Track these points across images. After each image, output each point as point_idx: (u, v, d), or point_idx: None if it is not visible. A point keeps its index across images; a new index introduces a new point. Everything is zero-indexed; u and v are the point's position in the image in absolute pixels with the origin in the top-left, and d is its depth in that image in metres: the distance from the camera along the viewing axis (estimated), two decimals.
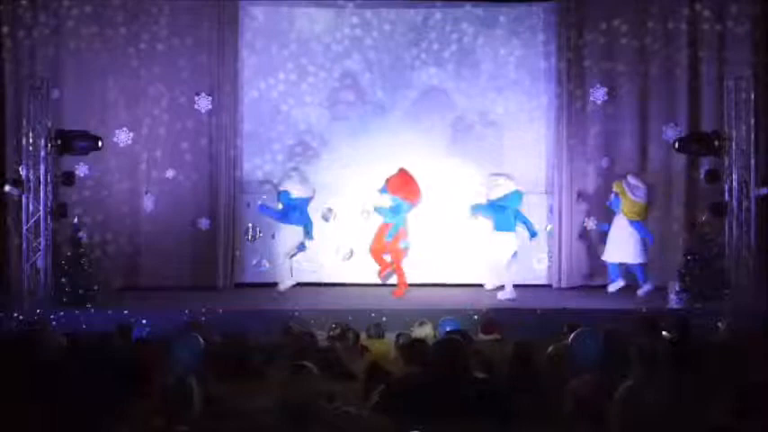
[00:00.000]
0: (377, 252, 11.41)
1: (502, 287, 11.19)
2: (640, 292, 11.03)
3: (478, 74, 12.55)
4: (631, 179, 11.26)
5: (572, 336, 5.43)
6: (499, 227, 11.12)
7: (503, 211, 11.12)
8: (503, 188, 11.16)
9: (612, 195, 11.37)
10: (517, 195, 11.19)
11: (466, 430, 4.01)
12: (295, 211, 11.25)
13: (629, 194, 11.14)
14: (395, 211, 11.26)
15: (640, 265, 11.18)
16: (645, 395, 3.82)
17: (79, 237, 10.61)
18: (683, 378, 4.12)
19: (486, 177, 11.52)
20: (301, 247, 11.36)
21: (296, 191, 11.22)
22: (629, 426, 3.71)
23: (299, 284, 11.69)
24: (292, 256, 11.44)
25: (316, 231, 11.73)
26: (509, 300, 10.89)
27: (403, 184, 11.33)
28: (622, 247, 11.18)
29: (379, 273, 11.45)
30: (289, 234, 11.30)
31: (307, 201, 11.33)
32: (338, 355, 6.01)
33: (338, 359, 5.91)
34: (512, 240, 11.13)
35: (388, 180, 11.33)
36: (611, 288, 11.25)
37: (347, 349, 6.82)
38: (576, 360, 5.31)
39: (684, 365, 4.43)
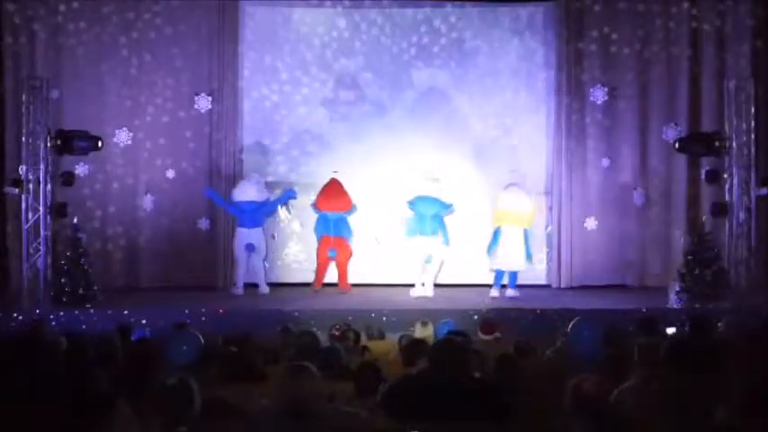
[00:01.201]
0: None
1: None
2: (509, 294, 11.23)
3: (478, 74, 12.55)
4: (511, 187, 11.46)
5: (570, 325, 5.48)
6: (407, 230, 11.42)
7: (414, 214, 11.36)
8: (419, 191, 11.38)
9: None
10: (424, 201, 11.31)
11: (466, 430, 4.01)
12: (235, 212, 11.51)
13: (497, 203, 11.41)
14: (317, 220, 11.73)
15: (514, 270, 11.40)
16: (645, 394, 3.82)
17: (79, 237, 10.59)
18: (684, 377, 4.12)
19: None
20: (250, 248, 11.42)
21: (239, 194, 11.46)
22: (629, 425, 3.70)
23: (299, 285, 11.77)
24: (263, 259, 11.55)
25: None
26: (424, 297, 11.14)
27: (319, 193, 11.70)
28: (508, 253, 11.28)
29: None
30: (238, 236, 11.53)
31: (250, 204, 11.39)
32: (339, 355, 6.00)
33: (338, 359, 5.90)
34: (420, 244, 11.32)
35: None
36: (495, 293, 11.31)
37: (347, 349, 6.81)
38: (574, 350, 5.36)
39: (685, 365, 4.43)
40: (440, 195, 11.40)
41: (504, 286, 11.40)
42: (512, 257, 11.27)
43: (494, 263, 11.43)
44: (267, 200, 11.64)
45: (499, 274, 11.46)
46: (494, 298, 11.17)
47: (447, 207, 11.45)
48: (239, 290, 11.39)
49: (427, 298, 11.19)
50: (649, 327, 7.21)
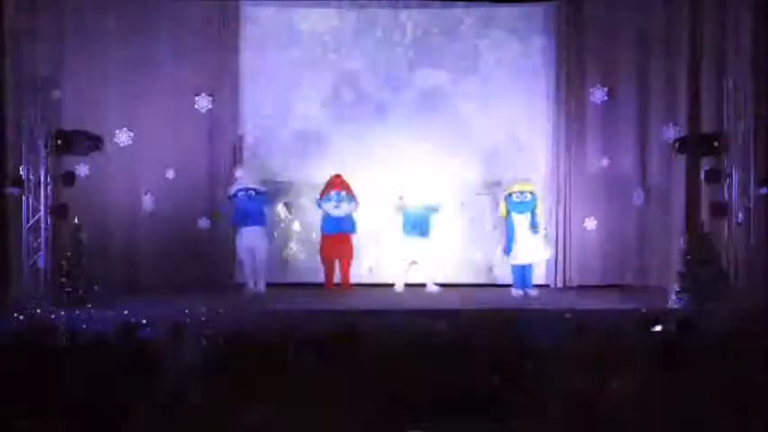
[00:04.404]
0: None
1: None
2: (534, 292, 11.30)
3: (478, 74, 12.55)
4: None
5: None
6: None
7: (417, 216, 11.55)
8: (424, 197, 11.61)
9: (528, 195, 11.40)
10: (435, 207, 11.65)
11: (466, 430, 4.01)
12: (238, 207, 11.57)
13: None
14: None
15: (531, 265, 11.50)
16: (642, 395, 3.83)
17: (79, 237, 10.60)
18: (681, 378, 4.13)
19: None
20: (252, 249, 11.50)
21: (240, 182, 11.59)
22: (626, 426, 3.71)
23: (299, 285, 11.82)
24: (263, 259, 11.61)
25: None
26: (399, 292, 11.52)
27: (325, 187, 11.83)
28: (530, 247, 11.38)
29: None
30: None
31: (248, 194, 11.52)
32: (339, 356, 6.00)
33: (338, 359, 5.90)
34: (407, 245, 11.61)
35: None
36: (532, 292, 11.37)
37: (348, 349, 6.81)
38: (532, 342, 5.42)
39: (683, 365, 4.44)
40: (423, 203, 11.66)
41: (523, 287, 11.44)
42: (529, 249, 11.33)
43: (514, 258, 11.43)
44: (263, 197, 11.66)
45: (518, 273, 11.44)
46: (517, 297, 11.24)
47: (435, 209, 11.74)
48: (248, 287, 11.43)
49: (433, 293, 11.41)
50: (648, 326, 7.22)
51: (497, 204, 12.11)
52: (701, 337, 5.98)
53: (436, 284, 11.69)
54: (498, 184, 12.35)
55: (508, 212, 11.39)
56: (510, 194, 11.38)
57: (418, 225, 11.54)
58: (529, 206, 11.33)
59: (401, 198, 11.68)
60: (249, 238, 11.43)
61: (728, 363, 4.36)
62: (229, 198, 11.59)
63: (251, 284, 11.47)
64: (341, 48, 12.56)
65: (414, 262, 11.66)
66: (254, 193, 11.47)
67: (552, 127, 12.40)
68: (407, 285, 11.66)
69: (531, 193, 11.41)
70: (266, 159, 12.54)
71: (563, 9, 12.27)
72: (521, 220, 11.30)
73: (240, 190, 11.44)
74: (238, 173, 11.75)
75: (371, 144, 12.48)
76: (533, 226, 11.29)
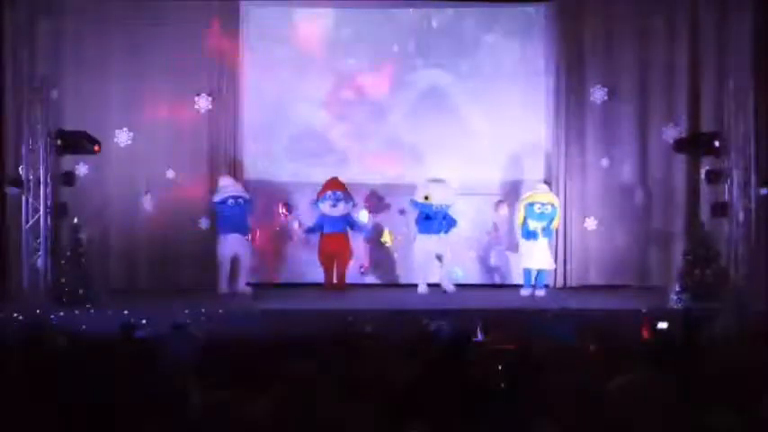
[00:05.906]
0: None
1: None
2: (542, 293, 11.28)
3: (478, 74, 12.54)
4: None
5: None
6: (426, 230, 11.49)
7: (433, 216, 11.41)
8: (443, 195, 11.43)
9: (549, 207, 11.33)
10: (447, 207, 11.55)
11: (466, 430, 4.01)
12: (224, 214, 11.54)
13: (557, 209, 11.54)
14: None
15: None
16: (643, 394, 3.83)
17: (79, 237, 10.60)
18: (682, 377, 4.13)
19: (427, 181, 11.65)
20: (236, 256, 11.53)
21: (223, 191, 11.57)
22: (626, 425, 3.71)
23: (299, 285, 11.82)
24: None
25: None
26: (423, 293, 11.35)
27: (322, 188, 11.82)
28: (545, 254, 11.38)
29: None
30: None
31: (236, 201, 11.53)
32: (339, 356, 5.99)
33: (340, 360, 5.89)
34: (433, 242, 11.46)
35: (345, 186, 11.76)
36: (539, 292, 11.34)
37: (349, 350, 6.81)
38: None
39: (683, 364, 4.44)
40: (447, 197, 11.50)
41: (532, 286, 11.41)
42: (540, 257, 11.33)
43: (526, 262, 11.43)
44: (249, 205, 11.66)
45: (528, 276, 11.43)
46: (524, 297, 11.23)
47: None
48: (230, 288, 11.46)
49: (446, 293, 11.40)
50: (648, 326, 7.23)
51: (497, 204, 12.16)
52: (701, 337, 5.98)
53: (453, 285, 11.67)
54: (498, 183, 12.36)
55: (525, 219, 11.36)
56: (531, 204, 11.30)
57: (441, 222, 11.48)
58: (548, 217, 11.32)
59: (427, 197, 11.59)
60: (233, 245, 11.47)
61: (728, 362, 4.37)
62: (215, 205, 11.59)
63: (225, 289, 11.46)
64: (341, 47, 12.56)
65: (439, 258, 11.60)
66: (241, 200, 11.49)
67: (552, 127, 12.40)
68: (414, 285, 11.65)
69: (553, 204, 11.39)
70: (266, 159, 12.53)
71: (563, 9, 12.26)
72: (536, 227, 11.26)
73: (229, 197, 11.45)
74: (223, 181, 11.72)
75: (371, 144, 12.48)
76: (547, 233, 11.34)
